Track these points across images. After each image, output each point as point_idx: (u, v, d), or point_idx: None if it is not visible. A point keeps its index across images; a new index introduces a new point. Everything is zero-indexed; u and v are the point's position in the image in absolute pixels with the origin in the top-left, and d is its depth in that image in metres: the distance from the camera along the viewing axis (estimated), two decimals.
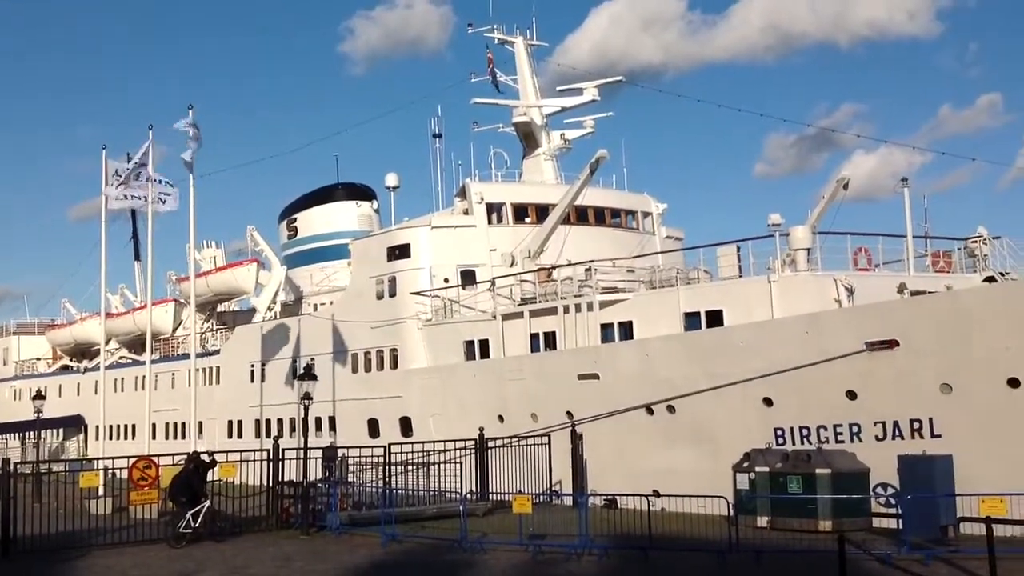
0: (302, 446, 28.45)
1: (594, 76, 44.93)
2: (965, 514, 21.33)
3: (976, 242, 30.67)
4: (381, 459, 29.88)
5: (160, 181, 34.71)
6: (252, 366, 48.11)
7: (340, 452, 31.80)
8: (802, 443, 26.42)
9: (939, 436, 24.26)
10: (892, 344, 24.84)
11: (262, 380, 47.11)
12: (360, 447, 31.60)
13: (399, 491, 28.05)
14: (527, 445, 31.09)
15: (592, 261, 34.42)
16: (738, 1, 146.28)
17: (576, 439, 30.74)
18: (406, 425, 38.37)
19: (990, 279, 29.25)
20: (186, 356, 45.01)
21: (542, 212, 39.47)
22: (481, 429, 31.38)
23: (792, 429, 27.02)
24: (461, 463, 30.09)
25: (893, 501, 23.33)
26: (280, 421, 45.18)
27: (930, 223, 33.64)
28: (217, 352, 52.07)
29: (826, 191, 35.00)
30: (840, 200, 34.71)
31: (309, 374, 29.78)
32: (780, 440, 26.97)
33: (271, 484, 27.24)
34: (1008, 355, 23.10)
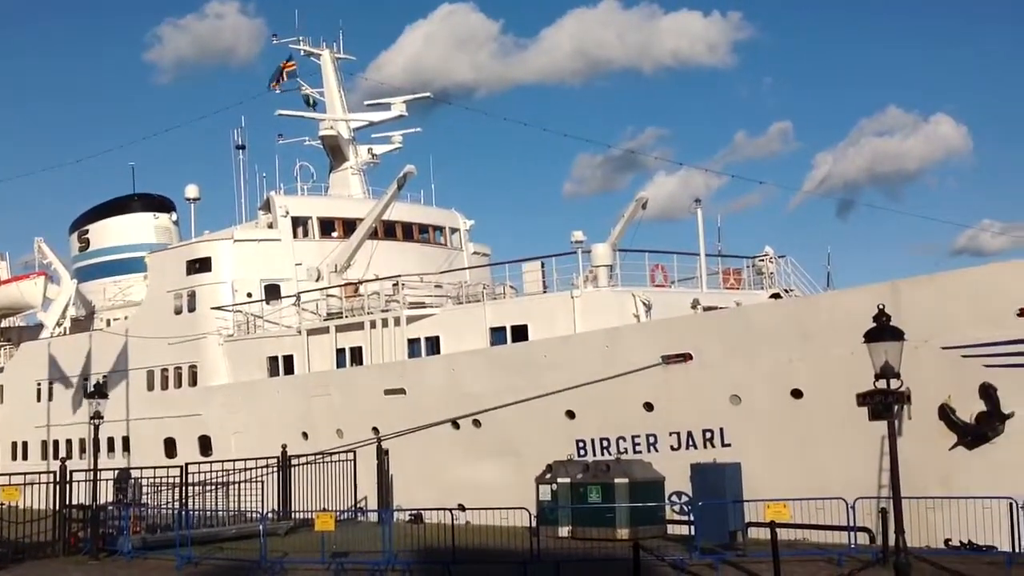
0: (92, 467, 27.08)
1: (406, 92, 44.94)
2: (752, 519, 22.39)
3: (763, 261, 32.31)
4: (177, 479, 28.78)
5: None
6: (39, 384, 45.51)
7: (133, 473, 30.43)
8: (603, 454, 27.08)
9: (729, 445, 25.34)
10: (686, 357, 25.81)
11: (49, 399, 44.60)
12: (156, 467, 30.35)
13: (196, 512, 27.10)
14: (332, 462, 30.65)
15: (399, 276, 34.31)
16: (549, 25, 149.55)
17: (382, 455, 30.52)
18: (205, 444, 37.15)
19: (776, 296, 30.86)
20: None
21: (349, 226, 39.07)
22: (284, 447, 30.70)
23: (593, 440, 27.66)
24: (263, 482, 29.35)
25: (686, 508, 24.21)
26: (69, 442, 42.88)
27: (723, 242, 35.16)
28: (0, 370, 49.05)
29: (626, 210, 36.10)
30: (639, 219, 35.88)
31: (99, 392, 28.35)
32: (582, 451, 27.57)
33: (58, 507, 25.82)
34: (792, 367, 24.37)
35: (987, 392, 22.52)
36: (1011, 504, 20.50)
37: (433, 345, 32.00)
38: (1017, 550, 20.43)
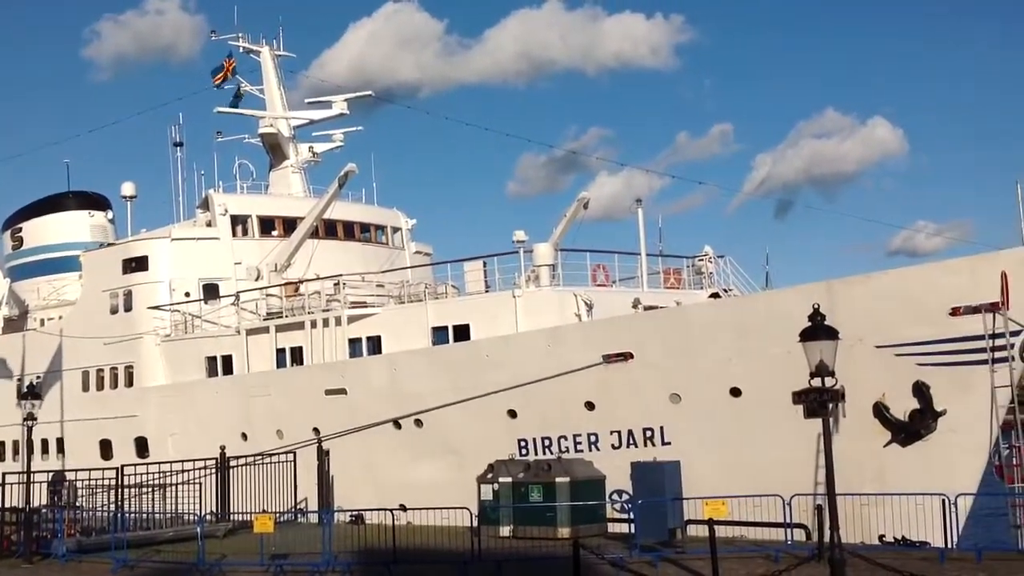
0: (25, 469, 26.55)
1: (350, 91, 44.64)
2: (692, 517, 22.60)
3: (703, 260, 32.63)
4: (113, 481, 28.33)
5: None
6: None
7: (68, 475, 29.90)
8: (544, 453, 27.15)
9: (669, 443, 25.54)
10: (627, 356, 25.96)
11: None
12: (91, 469, 29.84)
13: (133, 515, 26.71)
14: (272, 463, 30.37)
15: (340, 275, 34.11)
16: (493, 26, 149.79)
17: (323, 455, 30.29)
18: (142, 446, 36.61)
19: (715, 295, 31.18)
20: None
21: (289, 225, 38.77)
22: (222, 448, 30.35)
23: (535, 440, 27.72)
24: (201, 483, 28.99)
25: (627, 506, 24.36)
26: (2, 444, 42.02)
27: (664, 242, 35.47)
28: None
29: (568, 210, 36.23)
30: (581, 219, 36.04)
31: (33, 393, 27.81)
32: (524, 451, 27.62)
33: None
34: (731, 366, 24.63)
35: (920, 390, 22.98)
36: (944, 500, 20.94)
37: (374, 345, 31.86)
38: (950, 545, 20.88)
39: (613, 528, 24.78)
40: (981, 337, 22.29)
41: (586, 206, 35.88)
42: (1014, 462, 22.43)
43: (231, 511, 29.35)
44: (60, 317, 42.93)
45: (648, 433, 26.10)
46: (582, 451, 26.75)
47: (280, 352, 33.89)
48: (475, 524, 22.79)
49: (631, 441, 26.34)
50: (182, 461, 29.92)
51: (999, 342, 22.21)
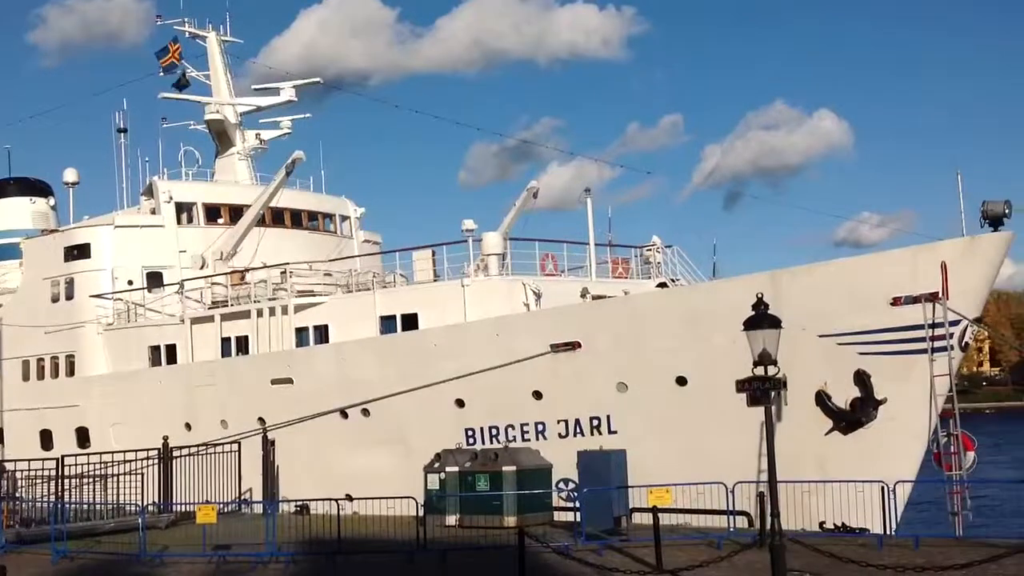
0: None
1: (299, 78, 44.23)
2: (638, 505, 22.74)
3: (651, 250, 32.78)
4: (53, 472, 27.88)
5: None
6: None
7: (7, 466, 29.36)
8: (492, 442, 27.15)
9: (616, 432, 25.67)
10: (575, 346, 26.03)
11: None
12: (31, 460, 29.35)
13: (73, 505, 26.31)
14: (216, 453, 30.08)
15: (287, 264, 33.85)
16: (445, 15, 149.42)
17: (268, 445, 30.06)
18: (83, 436, 36.09)
19: (662, 285, 31.37)
20: None
21: (236, 213, 38.34)
22: (165, 438, 30.00)
23: (482, 429, 27.71)
24: (143, 474, 28.65)
25: (573, 495, 24.45)
26: None
27: (614, 232, 35.54)
28: None
29: (517, 200, 36.23)
30: (531, 208, 36.07)
31: None
32: (471, 440, 27.60)
33: None
34: (677, 355, 24.79)
35: (861, 379, 23.31)
36: (883, 487, 21.26)
37: (322, 334, 31.65)
38: (888, 532, 21.22)
39: (559, 517, 24.85)
40: (921, 327, 22.66)
41: (535, 195, 35.91)
42: (952, 450, 22.84)
43: (174, 502, 29.02)
44: (0, 305, 42.13)
45: (595, 422, 26.20)
46: (529, 440, 26.79)
47: (225, 341, 33.57)
48: (421, 513, 22.73)
49: (578, 430, 26.42)
50: (124, 452, 29.55)
51: (938, 332, 22.58)
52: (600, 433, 25.98)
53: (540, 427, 26.93)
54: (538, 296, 28.98)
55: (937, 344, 22.69)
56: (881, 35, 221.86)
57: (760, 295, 16.78)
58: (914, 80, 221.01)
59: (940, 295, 22.38)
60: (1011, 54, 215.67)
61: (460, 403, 27.78)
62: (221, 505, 26.62)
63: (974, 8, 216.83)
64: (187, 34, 42.36)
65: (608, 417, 26.00)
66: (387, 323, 30.49)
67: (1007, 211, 22.17)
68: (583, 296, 28.73)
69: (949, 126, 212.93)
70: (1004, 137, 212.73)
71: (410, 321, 30.03)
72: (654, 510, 19.07)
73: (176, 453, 29.74)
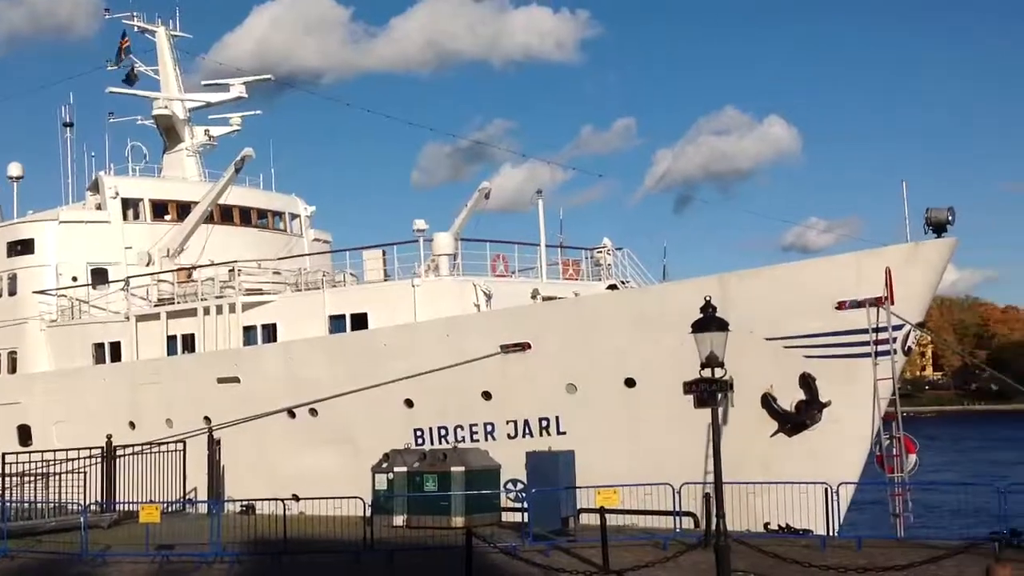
0: None
1: (249, 75, 43.83)
2: (585, 505, 22.81)
3: (601, 252, 32.93)
4: None
5: None
6: None
7: None
8: (440, 443, 27.09)
9: (564, 433, 25.73)
10: (525, 347, 26.06)
11: None
12: None
13: (14, 504, 25.85)
14: (160, 452, 29.71)
15: (235, 262, 33.52)
16: (399, 14, 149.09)
17: (213, 445, 29.75)
18: (25, 433, 35.46)
19: (613, 287, 31.52)
20: None
21: (183, 209, 37.93)
22: (109, 436, 29.59)
23: (431, 429, 27.64)
24: (86, 473, 28.21)
25: (521, 496, 24.48)
26: None
27: (565, 234, 35.60)
28: None
29: (469, 200, 36.20)
30: (482, 209, 36.06)
31: None
32: (420, 440, 27.52)
33: None
34: (626, 357, 24.92)
35: (807, 381, 23.60)
36: (826, 489, 21.55)
37: (270, 333, 31.39)
38: (831, 533, 21.50)
39: (508, 517, 24.87)
40: (865, 331, 22.98)
41: (487, 196, 35.92)
42: (894, 452, 23.19)
43: (117, 501, 28.63)
44: None
45: (544, 423, 26.25)
46: (478, 441, 26.78)
47: (171, 339, 33.22)
48: (368, 514, 22.62)
49: (527, 431, 26.46)
50: (67, 450, 29.07)
51: (882, 336, 22.93)
52: (549, 434, 26.03)
53: (489, 428, 26.92)
54: (488, 297, 29.00)
55: (881, 348, 23.04)
56: (830, 42, 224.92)
57: (708, 298, 16.90)
58: (862, 88, 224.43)
59: (884, 300, 22.72)
60: (957, 63, 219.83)
61: (409, 403, 27.69)
62: (165, 505, 26.28)
63: (922, 16, 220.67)
64: (136, 28, 41.84)
65: (557, 418, 26.05)
66: (336, 322, 30.32)
67: (950, 218, 22.57)
68: (533, 297, 28.80)
69: (896, 134, 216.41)
70: (949, 143, 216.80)
71: (360, 321, 29.89)
72: (601, 511, 19.15)
73: (120, 452, 29.35)
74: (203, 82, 43.50)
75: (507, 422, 26.65)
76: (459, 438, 26.98)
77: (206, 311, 32.43)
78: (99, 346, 34.72)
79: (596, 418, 25.21)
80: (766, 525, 22.90)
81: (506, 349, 26.14)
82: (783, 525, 22.53)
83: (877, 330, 22.93)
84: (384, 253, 31.82)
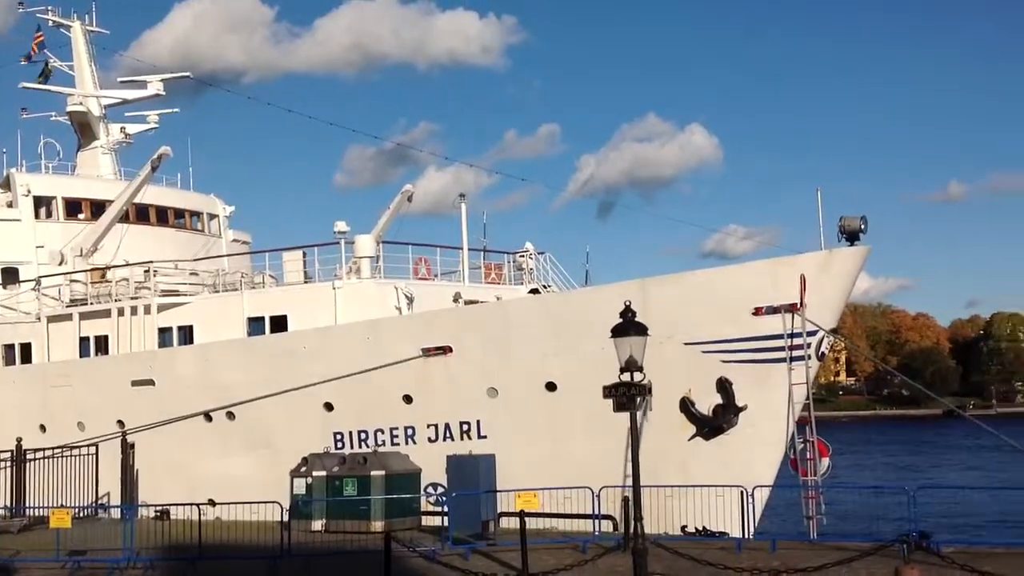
0: None
1: (170, 72, 43.03)
2: (506, 509, 22.85)
3: (524, 257, 33.04)
4: None
5: None
6: None
7: None
8: (361, 447, 26.93)
9: (485, 437, 25.76)
10: (446, 350, 26.03)
11: None
12: None
13: None
14: (72, 456, 29.02)
15: (151, 262, 32.91)
16: (324, 15, 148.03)
17: (127, 449, 29.14)
18: None
19: (535, 291, 31.64)
20: None
21: (98, 208, 37.08)
22: (19, 440, 28.82)
23: (351, 433, 27.44)
24: None
25: (442, 500, 24.44)
26: None
27: (488, 238, 35.64)
28: None
29: (392, 203, 35.99)
30: (405, 212, 35.88)
31: None
32: (340, 444, 27.31)
33: None
34: (547, 361, 25.03)
35: (724, 386, 23.96)
36: (742, 492, 21.91)
37: (186, 335, 30.87)
38: (747, 535, 21.86)
39: (428, 521, 24.81)
40: (780, 336, 23.43)
41: (410, 199, 35.75)
42: (808, 456, 23.66)
43: (27, 506, 27.90)
44: None
45: (465, 427, 26.24)
46: (399, 444, 26.67)
47: (84, 341, 32.49)
48: (286, 519, 22.37)
49: (448, 435, 26.41)
50: None
51: (796, 341, 23.40)
52: (470, 438, 26.03)
53: (410, 431, 26.82)
54: (410, 300, 28.90)
55: (795, 353, 23.50)
56: (751, 52, 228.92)
57: (628, 303, 17.08)
58: (782, 98, 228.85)
59: (798, 306, 23.18)
60: (874, 74, 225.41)
61: (329, 407, 27.45)
62: (77, 509, 25.69)
63: (841, 26, 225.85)
64: (51, 23, 40.91)
65: (478, 422, 26.07)
66: (255, 324, 29.95)
67: (863, 227, 23.11)
68: (455, 301, 28.77)
69: (815, 144, 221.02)
70: (867, 153, 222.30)
71: (279, 323, 29.57)
72: (521, 514, 19.20)
73: (30, 455, 28.61)
74: (119, 79, 42.68)
75: (428, 426, 26.58)
76: (379, 442, 26.84)
77: (120, 312, 31.78)
78: (9, 347, 33.85)
79: (517, 422, 25.28)
80: (683, 528, 23.18)
81: (427, 352, 26.07)
82: (700, 528, 22.83)
83: (792, 336, 23.39)
84: (304, 255, 31.53)
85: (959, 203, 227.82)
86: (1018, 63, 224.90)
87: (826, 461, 23.75)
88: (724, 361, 23.81)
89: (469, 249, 31.99)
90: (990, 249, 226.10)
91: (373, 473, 24.13)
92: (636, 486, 16.41)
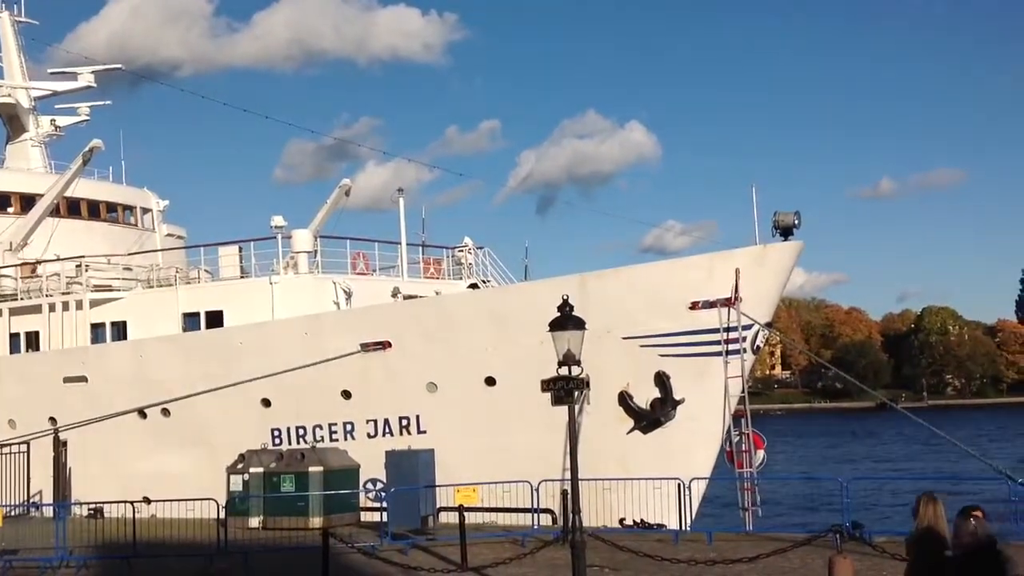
0: None
1: (104, 64, 42.18)
2: (446, 504, 22.86)
3: (463, 251, 33.03)
4: None
5: None
6: None
7: None
8: (299, 443, 26.73)
9: (425, 432, 25.73)
10: (385, 345, 25.93)
11: None
12: None
13: None
14: (3, 454, 28.50)
15: (83, 256, 32.34)
16: (263, 10, 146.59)
17: (59, 446, 28.63)
18: None
19: (474, 286, 31.65)
20: None
21: (28, 202, 36.26)
22: None
23: (289, 429, 27.24)
24: None
25: (381, 495, 24.36)
26: None
27: (428, 233, 35.56)
28: None
29: (329, 197, 35.73)
30: (343, 206, 35.63)
31: None
32: (277, 440, 27.10)
33: None
34: (487, 356, 25.07)
35: (661, 380, 24.19)
36: (679, 484, 22.14)
37: (120, 330, 30.41)
38: (684, 527, 22.11)
39: (367, 517, 24.71)
40: (716, 330, 23.72)
41: (348, 193, 35.53)
42: (743, 448, 23.99)
43: None
44: None
45: (404, 422, 26.18)
46: (337, 440, 26.53)
47: (14, 337, 31.91)
48: (223, 516, 22.13)
49: (387, 430, 26.35)
50: None
51: (732, 335, 23.70)
52: (409, 433, 25.98)
53: (349, 427, 26.70)
54: (348, 295, 28.74)
55: (731, 347, 23.80)
56: (689, 50, 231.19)
57: (566, 297, 17.14)
58: (719, 96, 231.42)
59: (734, 300, 23.47)
60: (807, 72, 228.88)
61: (266, 403, 27.22)
62: (8, 508, 25.20)
63: (777, 25, 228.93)
64: None
65: (417, 417, 26.02)
66: (190, 320, 29.61)
67: (796, 222, 23.47)
68: (394, 296, 28.66)
69: (750, 141, 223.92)
70: (802, 150, 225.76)
71: (215, 318, 29.24)
72: (460, 509, 19.22)
73: None
74: (50, 71, 41.82)
75: (367, 421, 26.48)
76: (318, 438, 26.67)
77: (51, 308, 31.23)
78: None
79: (456, 417, 25.28)
80: (621, 520, 23.37)
81: (366, 348, 25.96)
82: (638, 520, 23.04)
83: (728, 330, 23.68)
84: (241, 250, 31.21)
85: (890, 200, 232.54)
86: (938, 65, 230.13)
87: (761, 453, 24.11)
88: (662, 355, 24.04)
89: (408, 244, 31.91)
90: (921, 244, 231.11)
91: (311, 469, 23.97)
92: (575, 479, 16.46)
